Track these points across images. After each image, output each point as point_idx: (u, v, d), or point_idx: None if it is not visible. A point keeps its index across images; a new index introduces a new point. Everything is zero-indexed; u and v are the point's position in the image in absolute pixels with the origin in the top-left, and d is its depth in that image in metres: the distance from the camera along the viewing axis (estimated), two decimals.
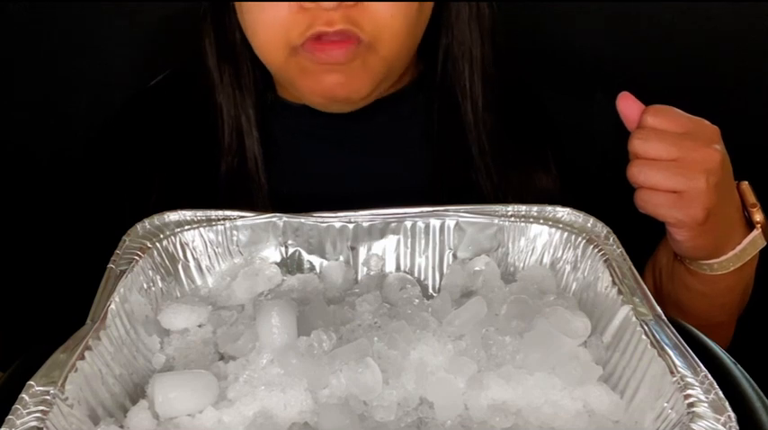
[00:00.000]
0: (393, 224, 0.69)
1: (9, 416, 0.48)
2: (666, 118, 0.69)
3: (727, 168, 0.71)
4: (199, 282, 0.68)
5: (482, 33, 0.82)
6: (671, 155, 0.68)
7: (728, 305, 0.81)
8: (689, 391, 0.49)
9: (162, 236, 0.66)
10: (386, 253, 0.69)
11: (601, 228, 0.66)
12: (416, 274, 0.70)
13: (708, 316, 0.79)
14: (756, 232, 0.74)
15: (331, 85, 0.74)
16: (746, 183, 0.75)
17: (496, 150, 0.82)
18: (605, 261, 0.62)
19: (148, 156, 0.85)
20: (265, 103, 0.84)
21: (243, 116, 0.82)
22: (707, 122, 0.70)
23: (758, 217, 0.74)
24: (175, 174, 0.83)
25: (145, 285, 0.63)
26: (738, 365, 0.56)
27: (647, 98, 0.71)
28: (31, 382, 0.50)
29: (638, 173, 0.68)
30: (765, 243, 0.75)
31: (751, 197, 0.75)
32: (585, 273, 0.64)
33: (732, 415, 0.47)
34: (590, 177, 0.85)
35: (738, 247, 0.74)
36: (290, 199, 0.79)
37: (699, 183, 0.67)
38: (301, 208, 0.69)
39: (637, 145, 0.68)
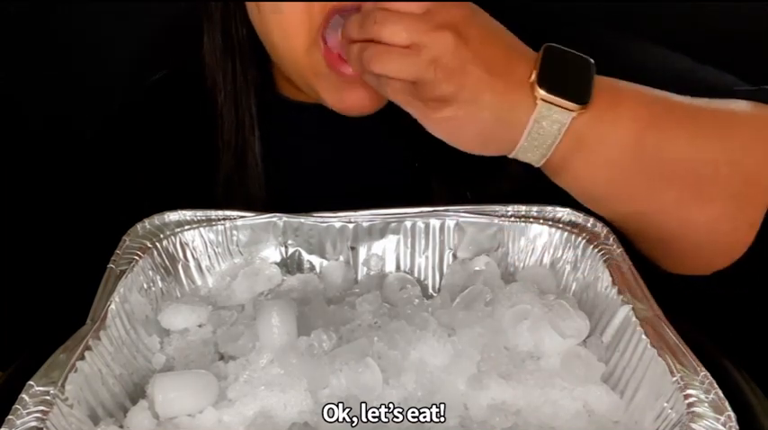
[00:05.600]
0: (393, 224, 0.69)
1: (9, 416, 0.48)
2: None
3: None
4: (199, 282, 0.68)
5: None
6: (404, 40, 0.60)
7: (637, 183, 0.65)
8: (689, 391, 0.49)
9: (162, 236, 0.66)
10: (386, 253, 0.69)
11: (601, 228, 0.66)
12: (416, 274, 0.70)
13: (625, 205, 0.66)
14: (538, 105, 0.61)
15: (356, 102, 0.74)
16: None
17: None
18: (605, 261, 0.62)
19: (147, 157, 0.85)
20: (265, 100, 0.84)
21: (246, 115, 0.82)
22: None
23: (541, 92, 0.61)
24: (173, 173, 0.83)
25: (145, 285, 0.63)
26: (738, 365, 0.56)
27: None
28: (31, 382, 0.50)
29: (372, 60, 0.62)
30: (571, 111, 0.61)
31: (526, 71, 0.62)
32: (585, 273, 0.64)
33: (732, 415, 0.47)
34: None
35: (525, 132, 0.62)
36: (288, 196, 0.79)
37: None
38: (299, 205, 0.69)
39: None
